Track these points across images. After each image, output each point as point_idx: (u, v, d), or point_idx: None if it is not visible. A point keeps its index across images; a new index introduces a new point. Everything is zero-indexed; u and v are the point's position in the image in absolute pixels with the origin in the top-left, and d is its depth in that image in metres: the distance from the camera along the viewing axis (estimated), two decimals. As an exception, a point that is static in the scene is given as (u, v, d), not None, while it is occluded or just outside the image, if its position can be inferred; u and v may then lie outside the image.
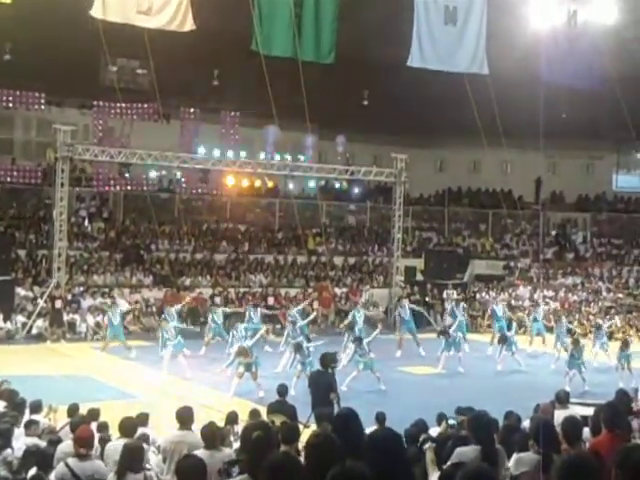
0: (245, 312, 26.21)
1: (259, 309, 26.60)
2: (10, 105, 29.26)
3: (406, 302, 28.19)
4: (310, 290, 33.42)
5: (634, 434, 8.10)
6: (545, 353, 27.02)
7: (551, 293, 36.92)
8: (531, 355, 27.30)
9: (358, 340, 20.95)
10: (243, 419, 11.62)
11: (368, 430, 9.03)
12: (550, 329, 28.16)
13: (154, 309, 30.24)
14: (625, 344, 23.15)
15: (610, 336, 26.85)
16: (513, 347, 24.57)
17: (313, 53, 24.05)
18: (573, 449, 6.83)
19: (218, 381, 20.49)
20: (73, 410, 11.65)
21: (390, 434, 5.37)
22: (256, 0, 22.73)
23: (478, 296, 36.24)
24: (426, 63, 25.16)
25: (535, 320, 29.05)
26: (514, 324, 26.62)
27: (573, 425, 7.25)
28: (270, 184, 38.93)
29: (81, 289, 30.15)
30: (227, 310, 27.32)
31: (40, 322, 27.50)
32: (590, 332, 28.38)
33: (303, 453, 5.44)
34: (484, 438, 7.09)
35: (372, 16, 29.99)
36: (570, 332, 26.54)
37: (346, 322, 24.57)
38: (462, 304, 29.02)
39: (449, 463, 6.99)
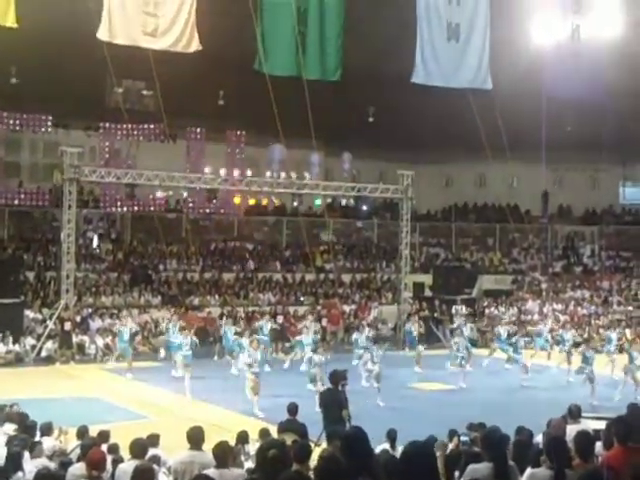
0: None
1: (269, 323, 26.99)
2: (17, 128, 29.54)
3: (415, 318, 28.40)
4: (318, 308, 33.33)
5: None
6: (549, 367, 27.02)
7: (560, 306, 36.85)
8: (534, 369, 27.08)
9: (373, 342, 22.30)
10: (253, 438, 11.60)
11: (378, 448, 9.02)
12: (557, 343, 28.17)
13: (163, 329, 30.21)
14: (630, 357, 23.23)
15: (620, 349, 26.67)
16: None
17: (319, 71, 24.12)
18: (586, 464, 6.78)
19: (228, 400, 20.44)
20: (82, 432, 11.62)
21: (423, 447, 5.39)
22: (259, 19, 22.88)
23: (487, 311, 36.16)
24: (430, 79, 25.22)
25: (539, 335, 29.24)
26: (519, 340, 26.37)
27: (586, 440, 7.20)
28: (277, 202, 38.98)
29: (89, 310, 30.16)
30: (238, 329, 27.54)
31: (49, 344, 27.51)
32: (599, 346, 28.30)
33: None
34: (497, 455, 7.04)
35: (377, 33, 30.11)
36: (577, 345, 26.47)
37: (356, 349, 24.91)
38: (469, 324, 29.09)
39: (462, 480, 6.96)
